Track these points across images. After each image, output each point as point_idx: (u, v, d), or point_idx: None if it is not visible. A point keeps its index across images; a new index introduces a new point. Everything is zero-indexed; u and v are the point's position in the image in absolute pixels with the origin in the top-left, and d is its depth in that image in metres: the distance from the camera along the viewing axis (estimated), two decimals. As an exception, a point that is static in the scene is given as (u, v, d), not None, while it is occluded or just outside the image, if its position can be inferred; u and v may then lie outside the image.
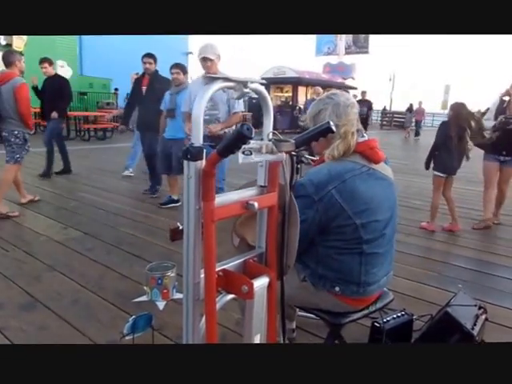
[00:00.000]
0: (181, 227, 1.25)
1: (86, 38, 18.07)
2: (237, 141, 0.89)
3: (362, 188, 1.23)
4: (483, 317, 1.59)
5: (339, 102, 1.29)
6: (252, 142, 0.94)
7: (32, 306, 2.01)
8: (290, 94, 15.01)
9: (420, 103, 15.62)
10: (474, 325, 1.50)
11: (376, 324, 1.52)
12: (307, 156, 1.52)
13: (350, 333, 1.53)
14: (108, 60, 18.37)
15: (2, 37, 12.88)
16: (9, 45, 13.07)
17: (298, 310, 1.68)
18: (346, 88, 15.97)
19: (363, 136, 1.31)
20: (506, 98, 3.54)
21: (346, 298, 1.30)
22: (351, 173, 1.23)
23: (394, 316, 1.58)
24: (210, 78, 0.96)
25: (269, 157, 0.99)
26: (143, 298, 2.07)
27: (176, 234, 1.26)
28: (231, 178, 4.31)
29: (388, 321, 1.53)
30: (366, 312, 1.37)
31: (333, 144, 1.26)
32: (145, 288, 2.10)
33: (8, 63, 3.48)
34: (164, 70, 4.14)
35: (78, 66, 16.47)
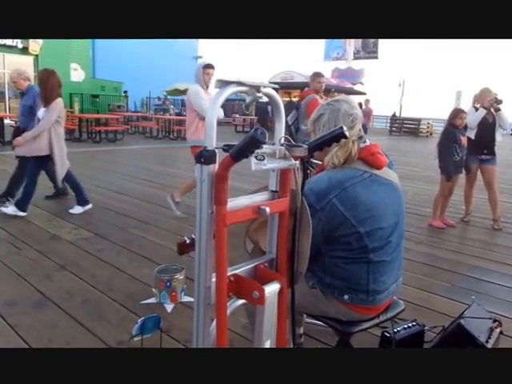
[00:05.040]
0: (188, 241, 1.26)
1: (98, 41, 18.42)
2: (250, 145, 0.88)
3: (363, 195, 1.21)
4: (498, 330, 1.55)
5: (339, 109, 1.27)
6: (265, 146, 0.94)
7: (43, 304, 2.04)
8: (298, 99, 15.01)
9: (367, 102, 11.96)
10: (489, 338, 1.47)
11: (386, 334, 1.50)
12: (315, 161, 1.51)
13: (359, 342, 1.50)
14: (119, 63, 18.67)
15: (19, 40, 13.18)
16: (25, 48, 13.38)
17: (305, 315, 1.66)
18: (355, 93, 15.84)
19: (365, 142, 1.29)
20: (478, 105, 3.82)
21: (356, 306, 1.28)
22: (352, 180, 1.21)
23: (405, 326, 1.55)
24: (223, 82, 0.96)
25: (281, 164, 0.98)
26: (152, 300, 2.09)
27: (184, 248, 1.27)
28: (240, 182, 4.32)
29: (398, 331, 1.51)
30: (376, 321, 1.35)
31: (332, 151, 1.24)
32: (153, 290, 2.11)
33: (309, 82, 4.15)
34: (173, 74, 4.20)
35: (90, 69, 16.72)
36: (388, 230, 1.26)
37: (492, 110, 3.73)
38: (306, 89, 4.37)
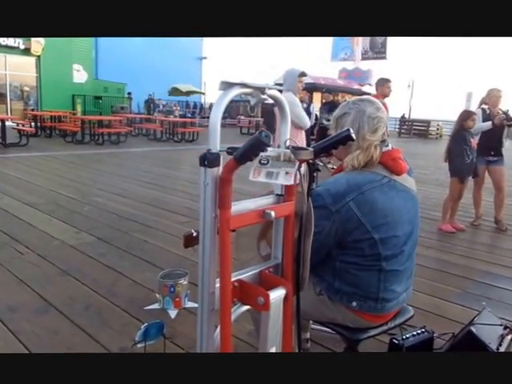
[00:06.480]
0: (195, 234, 1.24)
1: (101, 42, 18.43)
2: (254, 148, 0.87)
3: (380, 201, 1.18)
4: (509, 337, 1.51)
5: (365, 111, 1.23)
6: (269, 149, 0.92)
7: (45, 309, 2.01)
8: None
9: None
10: (499, 345, 1.43)
11: (394, 340, 1.46)
12: (321, 163, 1.49)
13: (366, 349, 1.47)
14: (123, 64, 18.67)
15: (21, 41, 13.21)
16: (27, 49, 13.42)
17: (311, 321, 1.63)
18: (363, 95, 15.68)
19: (387, 146, 1.26)
20: (485, 107, 3.81)
21: (364, 313, 1.25)
22: (370, 184, 1.18)
23: (414, 333, 1.51)
24: (227, 84, 0.94)
25: (282, 180, 0.95)
26: (155, 306, 2.06)
27: (190, 241, 1.25)
28: (243, 184, 4.29)
29: (407, 338, 1.47)
30: (384, 328, 1.31)
31: (353, 153, 1.22)
32: (157, 296, 2.09)
33: (375, 88, 4.19)
34: (177, 75, 4.15)
35: (93, 70, 16.69)
36: (402, 239, 1.23)
37: (505, 122, 3.67)
38: (373, 94, 4.50)
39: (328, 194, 1.17)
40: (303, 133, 3.44)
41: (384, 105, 4.28)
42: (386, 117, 1.28)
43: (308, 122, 3.41)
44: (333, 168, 1.52)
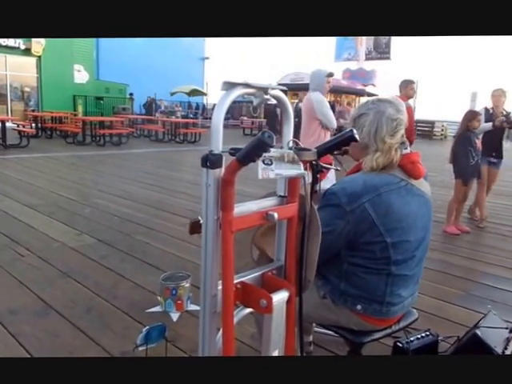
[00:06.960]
0: (201, 221, 1.22)
1: (102, 42, 18.35)
2: (257, 149, 0.86)
3: (397, 204, 1.16)
4: (515, 340, 1.49)
5: (384, 112, 1.19)
6: (273, 150, 0.91)
7: (45, 312, 2.00)
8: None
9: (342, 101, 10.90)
10: (505, 349, 1.41)
11: (399, 344, 1.44)
12: (325, 165, 1.47)
13: (370, 352, 1.45)
14: (124, 65, 18.63)
15: (22, 42, 13.18)
16: (28, 49, 13.38)
17: (314, 323, 1.62)
18: (367, 95, 15.67)
19: (406, 148, 1.23)
20: (489, 106, 3.91)
21: (368, 316, 1.23)
22: (388, 187, 1.16)
23: (418, 336, 1.49)
24: (229, 84, 0.93)
25: (289, 173, 0.94)
26: (157, 309, 2.05)
27: (196, 228, 1.22)
28: (244, 186, 4.28)
29: (412, 341, 1.45)
30: (388, 331, 1.30)
31: (372, 155, 1.19)
32: (159, 298, 2.07)
33: (399, 89, 4.08)
34: (180, 76, 4.13)
35: (94, 70, 16.64)
36: (414, 244, 1.22)
37: (505, 124, 3.71)
38: (397, 95, 4.57)
39: (343, 194, 1.15)
40: (328, 133, 3.43)
41: (409, 108, 4.20)
42: (406, 118, 1.24)
43: (335, 123, 3.40)
44: (337, 169, 1.50)
